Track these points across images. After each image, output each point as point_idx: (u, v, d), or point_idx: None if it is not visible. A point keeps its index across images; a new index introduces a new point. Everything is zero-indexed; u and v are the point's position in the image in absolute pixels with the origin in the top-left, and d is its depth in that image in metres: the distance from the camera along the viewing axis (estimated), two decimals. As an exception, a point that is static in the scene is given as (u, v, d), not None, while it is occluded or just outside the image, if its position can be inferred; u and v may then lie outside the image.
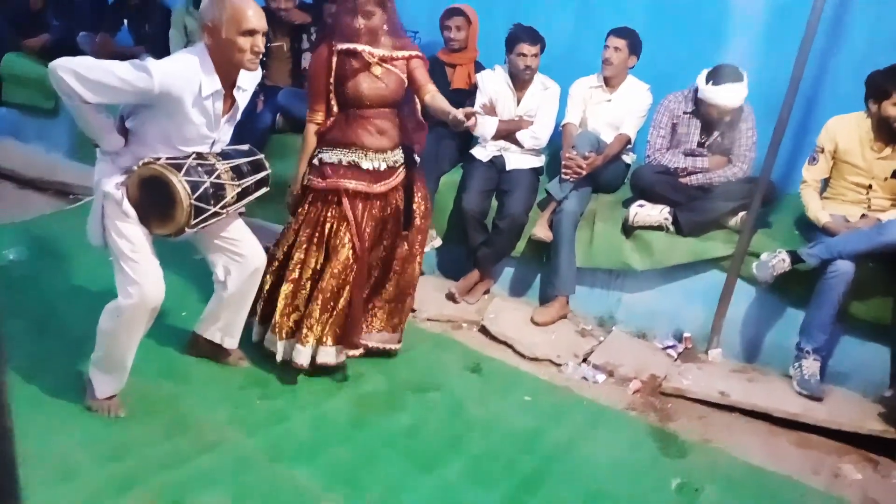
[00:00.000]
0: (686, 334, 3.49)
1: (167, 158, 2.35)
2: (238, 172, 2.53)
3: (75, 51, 4.87)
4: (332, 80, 2.75)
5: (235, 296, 2.75)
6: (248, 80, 2.50)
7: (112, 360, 2.47)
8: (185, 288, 3.47)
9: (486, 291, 3.83)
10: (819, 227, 3.22)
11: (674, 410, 3.06)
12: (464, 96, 3.91)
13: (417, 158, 3.01)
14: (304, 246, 2.86)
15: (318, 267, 2.86)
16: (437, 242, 3.35)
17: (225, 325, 2.83)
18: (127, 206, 2.33)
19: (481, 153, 3.78)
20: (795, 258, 3.08)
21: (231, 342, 2.87)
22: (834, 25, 3.55)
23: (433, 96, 2.78)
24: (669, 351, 3.45)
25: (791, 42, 3.11)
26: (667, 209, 3.45)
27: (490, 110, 3.78)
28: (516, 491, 2.46)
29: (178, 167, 2.33)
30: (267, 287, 2.94)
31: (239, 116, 2.53)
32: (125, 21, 4.91)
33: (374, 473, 2.46)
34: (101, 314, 2.42)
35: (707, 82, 3.31)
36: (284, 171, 4.15)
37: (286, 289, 2.87)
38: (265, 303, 2.97)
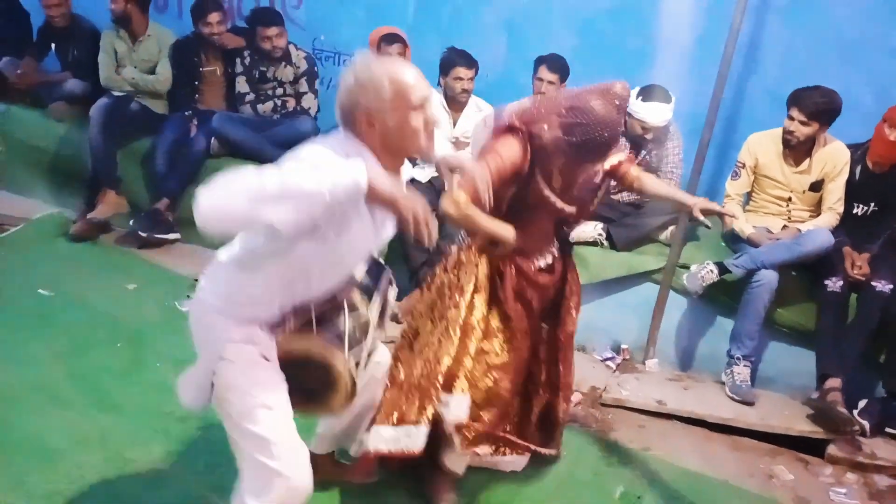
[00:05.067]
0: (623, 346, 3.59)
1: (319, 321, 1.78)
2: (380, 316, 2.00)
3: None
4: (507, 187, 2.21)
5: (368, 404, 2.24)
6: (407, 169, 1.95)
7: None
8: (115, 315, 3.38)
9: (429, 311, 3.83)
10: (743, 238, 3.37)
11: (614, 420, 3.13)
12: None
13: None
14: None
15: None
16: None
17: (357, 434, 2.32)
18: (273, 363, 1.75)
19: (420, 174, 3.81)
20: (723, 269, 3.22)
21: (356, 447, 2.35)
22: (750, 52, 3.76)
23: (641, 177, 2.48)
24: (608, 363, 3.53)
25: (710, 67, 3.28)
26: (600, 225, 3.56)
27: (427, 132, 3.83)
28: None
29: (339, 338, 1.79)
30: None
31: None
32: (52, 45, 4.76)
33: (323, 498, 2.42)
34: None
35: (637, 97, 3.45)
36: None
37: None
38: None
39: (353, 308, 1.83)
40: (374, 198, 1.58)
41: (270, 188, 1.43)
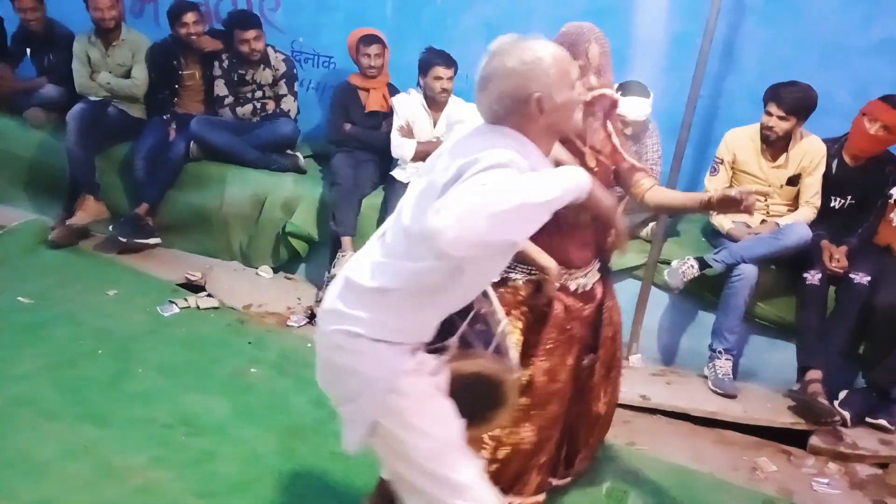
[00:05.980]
0: (608, 342, 3.61)
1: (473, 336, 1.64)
2: None
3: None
4: None
5: None
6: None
7: None
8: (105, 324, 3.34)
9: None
10: (723, 233, 3.41)
11: (600, 417, 3.16)
12: (380, 118, 4.05)
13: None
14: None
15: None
16: None
17: None
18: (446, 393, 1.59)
19: (401, 175, 3.81)
20: (703, 264, 3.26)
21: None
22: (726, 51, 3.79)
23: (654, 191, 2.21)
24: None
25: (688, 66, 3.30)
26: (583, 223, 3.57)
27: (407, 133, 3.83)
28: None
29: (500, 351, 1.67)
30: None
31: None
32: (27, 51, 4.70)
33: (307, 504, 2.42)
34: None
35: (616, 93, 3.46)
36: (202, 200, 4.13)
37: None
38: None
39: (495, 316, 1.72)
40: (590, 203, 1.56)
41: (511, 203, 1.30)
